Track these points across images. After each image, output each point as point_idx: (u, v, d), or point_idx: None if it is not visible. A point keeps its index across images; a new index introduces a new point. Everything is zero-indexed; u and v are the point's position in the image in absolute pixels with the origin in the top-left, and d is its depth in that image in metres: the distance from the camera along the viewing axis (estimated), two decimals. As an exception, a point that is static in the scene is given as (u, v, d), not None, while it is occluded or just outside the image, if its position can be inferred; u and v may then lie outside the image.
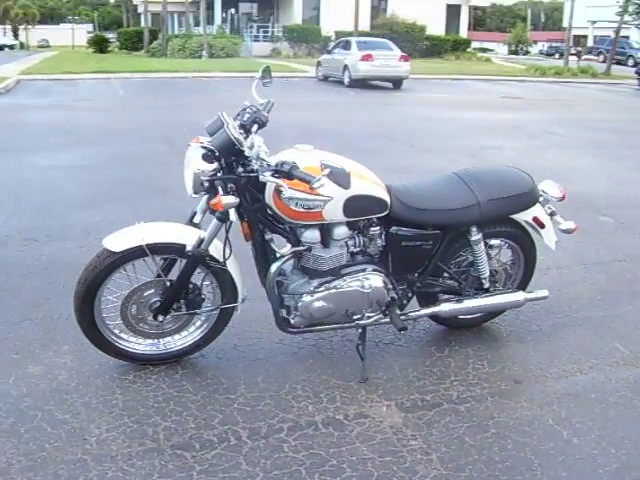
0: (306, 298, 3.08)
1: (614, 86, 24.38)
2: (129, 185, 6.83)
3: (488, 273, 3.40)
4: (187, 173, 2.86)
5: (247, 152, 2.80)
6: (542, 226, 3.44)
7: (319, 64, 21.91)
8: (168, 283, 3.01)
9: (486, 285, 3.43)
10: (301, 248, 3.01)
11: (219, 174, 2.80)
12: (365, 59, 18.72)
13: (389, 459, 2.60)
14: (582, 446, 2.70)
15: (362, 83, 19.14)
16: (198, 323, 3.21)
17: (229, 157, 2.79)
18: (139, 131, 10.42)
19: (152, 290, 3.04)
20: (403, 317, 3.27)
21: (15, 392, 2.97)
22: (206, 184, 2.79)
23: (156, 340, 3.19)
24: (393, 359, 3.35)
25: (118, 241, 2.91)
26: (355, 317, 3.19)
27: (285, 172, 2.64)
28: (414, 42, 33.08)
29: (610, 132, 11.78)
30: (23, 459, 2.54)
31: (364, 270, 3.16)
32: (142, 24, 42.17)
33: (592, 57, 38.59)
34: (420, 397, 3.03)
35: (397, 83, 19.48)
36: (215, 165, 2.79)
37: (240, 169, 2.82)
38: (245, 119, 2.95)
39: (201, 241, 2.92)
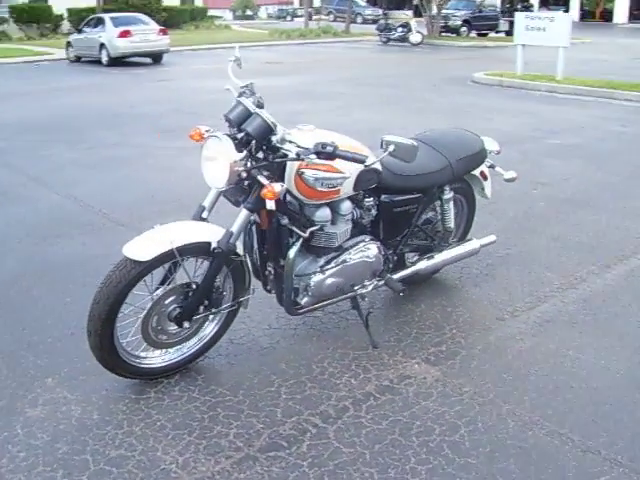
0: (317, 277, 3.09)
1: (359, 43, 26.26)
2: None
3: (453, 227, 3.70)
4: (216, 166, 2.67)
5: (273, 136, 2.71)
6: (486, 178, 3.82)
7: (69, 45, 20.26)
8: (194, 285, 2.81)
9: (450, 238, 3.73)
10: (315, 227, 3.00)
11: (249, 163, 2.67)
12: (123, 35, 17.82)
13: (459, 408, 2.78)
14: (590, 360, 3.14)
15: (121, 61, 18.22)
16: (215, 320, 3.03)
17: (262, 143, 2.67)
18: None
19: (173, 297, 2.81)
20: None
21: (34, 442, 2.58)
22: (244, 174, 2.64)
23: (174, 348, 2.96)
24: (383, 323, 3.49)
25: (144, 248, 2.63)
26: (356, 287, 3.28)
27: (330, 153, 2.61)
28: (152, 15, 32.04)
29: (391, 87, 12.81)
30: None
31: (363, 241, 3.25)
32: None
33: (323, 17, 40.79)
34: (437, 350, 3.24)
35: (158, 57, 18.91)
36: (245, 153, 2.66)
37: (263, 155, 2.72)
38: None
39: (230, 235, 2.76)
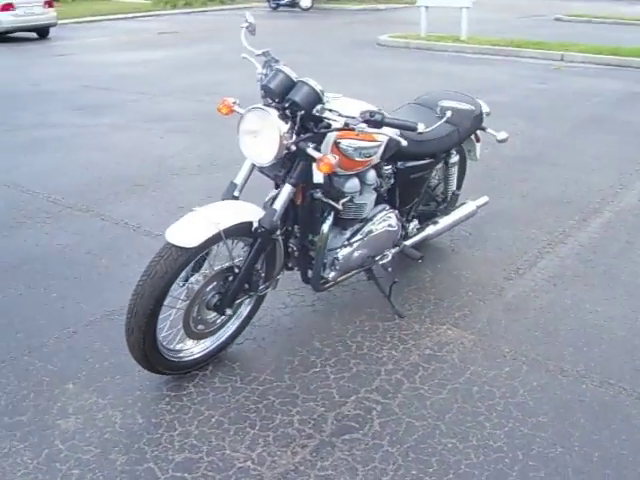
0: (345, 250, 2.99)
1: (249, 10, 25.62)
2: None
3: (456, 190, 3.69)
4: (262, 140, 2.49)
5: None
6: (478, 141, 3.83)
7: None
8: (236, 269, 2.62)
9: (449, 201, 3.73)
10: (346, 199, 2.89)
11: (294, 135, 2.50)
12: (5, 9, 16.31)
13: (508, 369, 2.80)
14: (609, 311, 3.26)
15: (3, 37, 16.76)
16: (248, 302, 2.86)
17: (310, 113, 2.51)
18: None
19: (214, 283, 2.62)
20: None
21: (84, 456, 2.34)
22: (293, 147, 2.48)
23: (211, 337, 2.78)
24: (398, 292, 3.44)
25: (190, 233, 2.41)
26: (377, 258, 3.21)
27: (379, 121, 2.49)
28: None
29: (300, 53, 12.55)
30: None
31: (384, 209, 3.18)
32: None
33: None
34: (461, 314, 3.25)
35: (44, 32, 17.48)
36: (290, 125, 2.49)
37: (306, 126, 2.56)
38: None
39: (273, 213, 2.59)
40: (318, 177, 2.53)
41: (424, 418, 2.51)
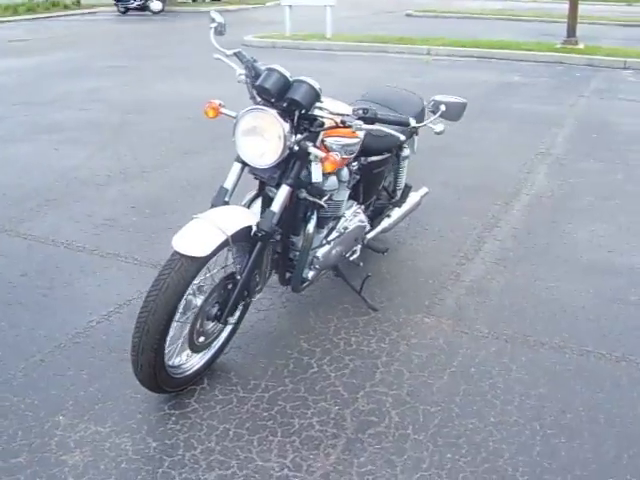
0: (324, 248, 3.00)
1: (96, 15, 24.37)
2: None
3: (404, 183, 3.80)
4: (263, 141, 2.43)
5: None
6: (417, 134, 3.96)
7: None
8: (238, 276, 2.54)
9: (399, 195, 3.84)
10: (326, 197, 2.89)
11: (294, 137, 2.47)
12: None
13: (494, 349, 2.94)
14: (561, 287, 3.51)
15: None
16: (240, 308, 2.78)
17: (308, 111, 2.48)
18: None
19: (216, 293, 2.52)
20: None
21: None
22: (295, 147, 2.43)
23: (209, 347, 2.68)
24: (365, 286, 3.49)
25: (200, 242, 2.30)
26: (347, 254, 3.25)
27: (373, 118, 2.51)
28: None
29: (169, 57, 12.29)
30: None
31: (353, 205, 3.21)
32: None
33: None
34: (431, 302, 3.35)
35: None
36: (289, 124, 2.45)
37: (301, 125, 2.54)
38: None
39: (272, 216, 2.54)
40: (317, 176, 2.52)
41: (437, 403, 2.58)
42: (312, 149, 2.48)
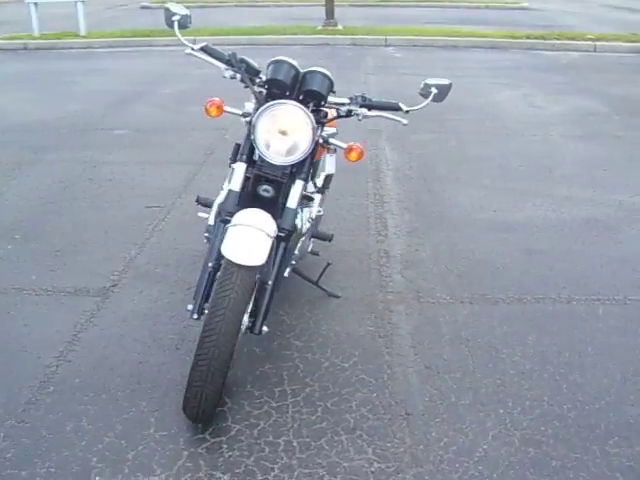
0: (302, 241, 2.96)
1: None
2: None
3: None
4: (291, 137, 2.30)
5: None
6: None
7: None
8: (270, 281, 2.38)
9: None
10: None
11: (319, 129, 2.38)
12: None
13: (466, 312, 3.16)
14: (476, 248, 3.86)
15: None
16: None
17: (324, 101, 2.39)
18: None
19: (251, 301, 2.34)
20: None
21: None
22: (321, 140, 2.34)
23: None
24: (293, 281, 3.32)
25: (253, 250, 2.13)
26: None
27: (370, 104, 2.53)
28: None
29: None
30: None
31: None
32: None
33: None
34: (380, 281, 3.44)
35: None
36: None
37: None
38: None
39: (294, 214, 2.43)
40: (331, 168, 2.48)
41: (465, 374, 2.69)
42: (333, 140, 2.43)
